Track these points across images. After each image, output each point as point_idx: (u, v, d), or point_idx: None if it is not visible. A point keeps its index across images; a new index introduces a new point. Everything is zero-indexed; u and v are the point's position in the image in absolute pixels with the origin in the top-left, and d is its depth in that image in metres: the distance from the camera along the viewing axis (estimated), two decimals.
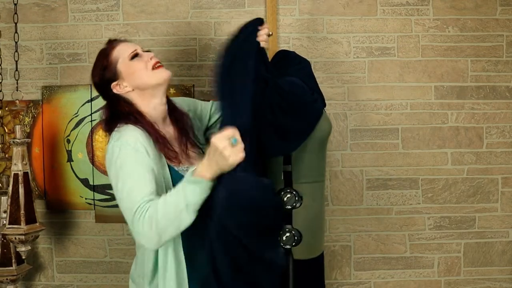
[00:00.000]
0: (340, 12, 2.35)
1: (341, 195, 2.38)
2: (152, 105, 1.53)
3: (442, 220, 2.39)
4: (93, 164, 2.33)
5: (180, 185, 1.31)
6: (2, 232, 2.06)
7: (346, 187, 2.38)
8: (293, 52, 1.96)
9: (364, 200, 2.38)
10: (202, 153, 1.61)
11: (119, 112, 1.51)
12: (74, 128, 2.34)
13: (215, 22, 2.36)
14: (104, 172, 2.33)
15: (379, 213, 2.38)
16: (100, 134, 2.33)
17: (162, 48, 2.35)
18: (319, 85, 1.92)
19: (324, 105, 1.83)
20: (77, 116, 2.34)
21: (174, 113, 1.62)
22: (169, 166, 1.49)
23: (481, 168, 2.38)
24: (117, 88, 1.52)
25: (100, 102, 2.30)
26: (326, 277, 2.29)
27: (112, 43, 1.57)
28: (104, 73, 1.53)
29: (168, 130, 1.57)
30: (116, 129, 1.47)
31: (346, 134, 2.37)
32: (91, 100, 2.33)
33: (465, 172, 2.38)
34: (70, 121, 2.34)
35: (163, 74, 1.52)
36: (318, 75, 2.14)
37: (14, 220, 2.02)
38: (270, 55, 2.24)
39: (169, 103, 1.62)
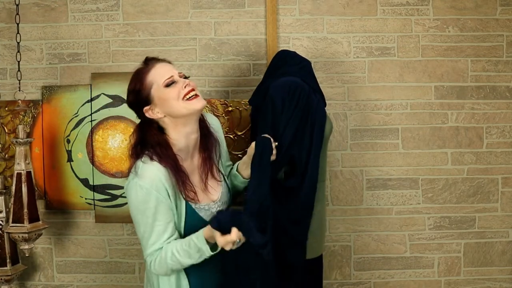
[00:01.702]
0: (340, 12, 2.35)
1: (341, 195, 2.38)
2: (183, 133, 1.52)
3: (442, 220, 2.39)
4: (93, 164, 2.33)
5: (190, 250, 1.44)
6: (5, 231, 2.07)
7: (346, 187, 2.38)
8: (294, 52, 1.96)
9: (364, 200, 2.38)
10: (223, 183, 1.65)
11: (147, 140, 1.51)
12: (74, 128, 2.34)
13: (215, 22, 2.36)
14: (104, 172, 2.33)
15: (379, 213, 2.38)
16: (100, 134, 2.33)
17: (162, 48, 2.35)
18: (319, 85, 1.92)
19: (325, 104, 1.84)
20: (77, 116, 2.33)
21: (205, 139, 1.62)
22: (186, 202, 1.52)
23: (481, 168, 2.38)
24: (150, 113, 1.51)
25: (100, 102, 2.33)
26: (326, 277, 2.30)
27: (148, 64, 1.53)
28: (138, 96, 1.51)
29: (194, 160, 1.59)
30: (140, 161, 1.48)
31: (346, 134, 2.37)
32: (91, 100, 2.33)
33: (465, 172, 2.38)
34: (70, 121, 2.34)
35: (196, 105, 1.49)
36: (318, 75, 2.15)
37: (17, 218, 2.04)
38: (270, 55, 2.25)
39: (204, 125, 1.62)
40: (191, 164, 1.57)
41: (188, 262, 1.45)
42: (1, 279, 2.11)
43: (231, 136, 2.31)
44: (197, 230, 1.46)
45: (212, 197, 1.58)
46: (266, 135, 1.63)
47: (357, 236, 2.39)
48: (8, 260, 2.13)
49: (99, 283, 2.41)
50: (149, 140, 1.51)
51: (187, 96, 1.48)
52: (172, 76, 1.49)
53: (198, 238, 1.42)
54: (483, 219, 2.39)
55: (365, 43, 2.35)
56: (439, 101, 2.37)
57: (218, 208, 1.57)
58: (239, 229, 1.34)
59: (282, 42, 2.34)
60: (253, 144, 1.61)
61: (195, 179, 1.56)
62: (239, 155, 2.26)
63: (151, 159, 1.47)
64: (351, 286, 2.40)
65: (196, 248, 1.42)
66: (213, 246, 1.42)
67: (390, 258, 2.40)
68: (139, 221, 1.47)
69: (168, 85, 1.48)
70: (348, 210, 2.38)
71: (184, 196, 1.50)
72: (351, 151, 2.37)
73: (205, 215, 1.53)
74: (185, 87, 1.48)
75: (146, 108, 1.50)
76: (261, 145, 1.60)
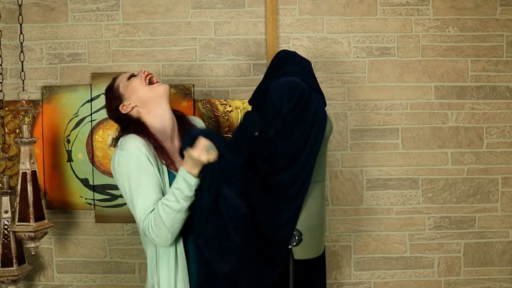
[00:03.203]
0: (340, 12, 2.35)
1: (341, 195, 2.38)
2: (158, 117, 1.66)
3: (442, 220, 2.39)
4: (93, 164, 2.33)
5: (174, 187, 1.49)
6: (11, 230, 2.08)
7: (346, 187, 2.38)
8: (294, 52, 1.96)
9: (364, 200, 2.38)
10: None
11: (126, 129, 1.65)
12: (74, 128, 2.34)
13: (215, 22, 2.36)
14: (104, 172, 2.33)
15: (379, 213, 2.38)
16: (100, 134, 2.33)
17: (162, 48, 2.35)
18: (319, 85, 1.92)
19: (325, 104, 1.84)
20: (77, 116, 2.34)
21: (184, 126, 1.74)
22: (168, 171, 1.60)
23: (481, 168, 2.38)
24: (124, 108, 1.66)
25: (100, 102, 2.33)
26: (326, 277, 2.30)
27: (113, 79, 1.74)
28: (112, 104, 1.69)
29: (173, 145, 1.68)
30: (120, 139, 1.61)
31: (346, 134, 2.37)
32: (91, 100, 2.33)
33: (465, 172, 2.38)
34: (70, 121, 2.34)
35: (160, 88, 1.66)
36: (318, 75, 2.14)
37: (23, 217, 2.06)
38: (270, 55, 2.25)
39: (182, 117, 1.76)
40: (172, 146, 1.66)
41: (178, 206, 1.46)
42: (8, 279, 2.10)
43: (231, 136, 2.31)
44: None
45: None
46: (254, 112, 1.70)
47: (357, 236, 2.39)
48: (14, 260, 2.13)
49: (99, 283, 2.41)
50: (128, 127, 1.64)
51: (148, 79, 1.66)
52: (132, 72, 1.71)
53: (180, 171, 1.49)
54: (483, 219, 2.39)
55: (365, 43, 2.35)
56: (439, 101, 2.37)
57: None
58: (208, 137, 1.45)
59: (282, 42, 2.34)
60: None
61: (176, 161, 1.62)
62: None
63: (129, 134, 1.60)
64: (351, 286, 2.40)
65: (181, 181, 1.47)
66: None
67: (390, 258, 2.40)
68: (126, 188, 1.53)
69: (129, 78, 1.68)
70: (348, 210, 2.38)
71: (164, 163, 1.58)
72: (351, 151, 2.38)
73: None
74: (143, 73, 1.67)
75: (120, 106, 1.66)
76: (247, 118, 1.65)
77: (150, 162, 1.54)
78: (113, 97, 1.68)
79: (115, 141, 1.64)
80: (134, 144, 1.54)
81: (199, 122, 1.87)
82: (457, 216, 2.39)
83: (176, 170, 1.57)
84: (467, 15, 2.35)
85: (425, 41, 2.35)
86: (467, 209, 2.39)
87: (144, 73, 1.67)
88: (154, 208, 1.50)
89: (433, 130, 2.37)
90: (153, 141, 1.58)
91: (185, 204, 1.47)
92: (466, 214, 2.39)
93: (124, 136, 1.60)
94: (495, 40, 2.36)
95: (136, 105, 1.65)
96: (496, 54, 2.36)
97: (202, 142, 1.45)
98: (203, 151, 1.44)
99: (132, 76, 1.69)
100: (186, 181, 1.47)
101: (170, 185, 1.57)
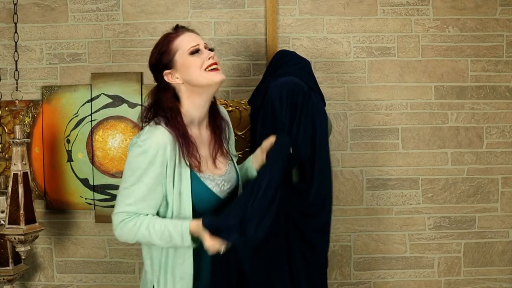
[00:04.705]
0: (340, 12, 2.35)
1: (341, 195, 2.38)
2: (195, 104, 1.53)
3: (442, 220, 2.39)
4: (93, 164, 2.33)
5: (168, 228, 1.44)
6: (1, 232, 2.05)
7: (346, 187, 2.38)
8: (293, 52, 1.96)
9: (364, 200, 2.38)
10: (231, 163, 1.65)
11: (161, 103, 1.52)
12: (74, 128, 2.34)
13: (215, 22, 2.36)
14: (104, 172, 2.33)
15: (379, 213, 2.38)
16: (100, 134, 2.33)
17: None
18: (319, 85, 1.92)
19: (324, 104, 1.84)
20: (77, 116, 2.34)
21: (216, 118, 1.64)
22: (191, 171, 1.51)
23: (481, 168, 2.38)
24: (169, 77, 1.52)
25: (100, 101, 2.33)
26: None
27: (178, 31, 1.55)
28: (161, 58, 1.52)
29: (203, 133, 1.59)
30: (147, 126, 1.50)
31: (346, 134, 2.37)
32: (91, 100, 2.33)
33: (465, 172, 2.38)
34: (70, 121, 2.34)
35: (216, 77, 1.51)
36: (318, 75, 2.14)
37: (13, 220, 2.01)
38: (270, 55, 2.25)
39: (215, 107, 1.64)
40: (199, 136, 1.57)
41: (158, 243, 1.46)
42: (4, 279, 2.10)
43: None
44: (203, 197, 1.49)
45: (217, 172, 1.57)
46: (286, 135, 1.65)
47: (357, 236, 2.39)
48: (10, 260, 2.13)
49: (99, 283, 2.41)
50: (163, 104, 1.52)
51: (209, 68, 1.50)
52: (198, 44, 1.51)
53: (184, 226, 1.43)
54: (483, 219, 2.39)
55: (365, 43, 2.35)
56: (439, 101, 2.37)
57: (223, 182, 1.56)
58: (225, 237, 1.40)
59: (282, 42, 2.34)
60: (271, 138, 1.60)
61: (202, 151, 1.55)
62: (239, 155, 2.26)
63: (158, 124, 1.49)
64: (351, 286, 2.40)
65: (178, 234, 1.43)
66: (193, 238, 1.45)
67: (390, 258, 2.40)
68: (125, 176, 1.47)
69: (192, 53, 1.50)
70: (348, 210, 2.38)
71: (187, 163, 1.49)
72: (351, 151, 2.37)
73: (210, 184, 1.53)
74: (209, 58, 1.50)
75: (166, 71, 1.51)
76: (282, 143, 1.59)
77: (166, 167, 1.46)
78: (164, 53, 1.51)
79: (146, 119, 1.52)
80: (156, 141, 1.45)
81: (227, 117, 1.73)
82: (457, 216, 2.39)
83: (199, 171, 1.51)
84: (467, 15, 2.35)
85: (425, 41, 2.35)
86: (467, 209, 2.39)
87: (209, 59, 1.50)
88: (134, 216, 1.46)
89: (433, 130, 2.37)
90: (182, 138, 1.48)
91: (165, 246, 1.47)
92: (466, 214, 2.39)
93: (152, 125, 1.48)
94: (495, 40, 2.36)
95: (183, 83, 1.51)
96: (496, 54, 2.36)
97: (218, 247, 1.41)
98: (216, 247, 1.41)
99: (197, 51, 1.50)
100: (182, 238, 1.43)
101: (191, 186, 1.49)
